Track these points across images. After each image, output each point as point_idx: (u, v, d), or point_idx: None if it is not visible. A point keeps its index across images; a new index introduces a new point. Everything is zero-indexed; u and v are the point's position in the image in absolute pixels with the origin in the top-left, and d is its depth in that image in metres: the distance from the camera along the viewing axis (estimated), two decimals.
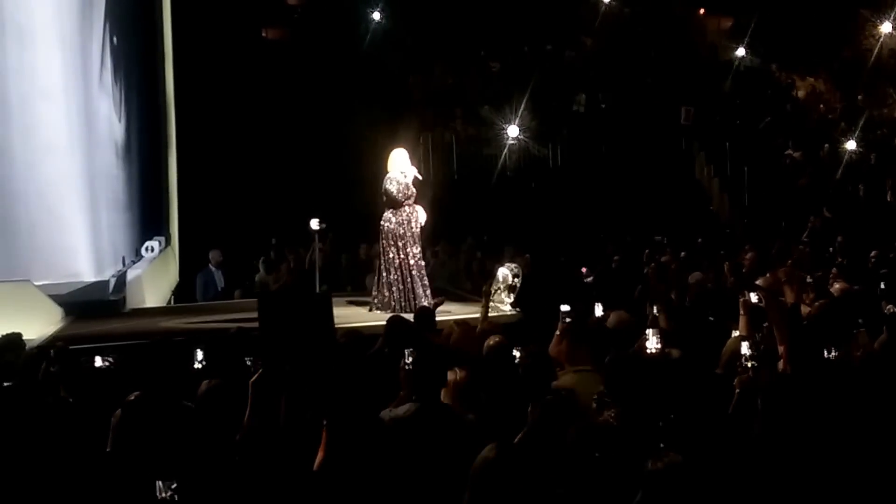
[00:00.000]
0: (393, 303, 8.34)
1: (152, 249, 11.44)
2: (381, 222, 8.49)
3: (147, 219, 12.31)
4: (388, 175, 8.46)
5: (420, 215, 8.53)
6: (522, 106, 15.66)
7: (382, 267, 8.51)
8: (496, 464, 2.99)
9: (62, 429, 4.21)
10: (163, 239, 12.21)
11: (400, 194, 8.36)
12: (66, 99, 10.05)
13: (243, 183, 13.84)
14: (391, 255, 8.41)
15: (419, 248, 8.57)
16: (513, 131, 14.99)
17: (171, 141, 13.18)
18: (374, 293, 8.60)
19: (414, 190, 8.47)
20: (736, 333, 5.52)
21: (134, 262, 11.06)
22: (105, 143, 11.28)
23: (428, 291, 8.50)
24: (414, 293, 8.37)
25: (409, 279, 8.39)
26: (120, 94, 11.92)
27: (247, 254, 12.44)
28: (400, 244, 8.38)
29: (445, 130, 15.86)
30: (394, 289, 8.39)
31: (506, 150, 15.54)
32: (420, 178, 8.60)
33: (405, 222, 8.40)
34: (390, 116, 15.08)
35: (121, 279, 9.81)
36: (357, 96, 15.13)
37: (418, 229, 8.51)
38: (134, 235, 11.80)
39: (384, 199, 8.49)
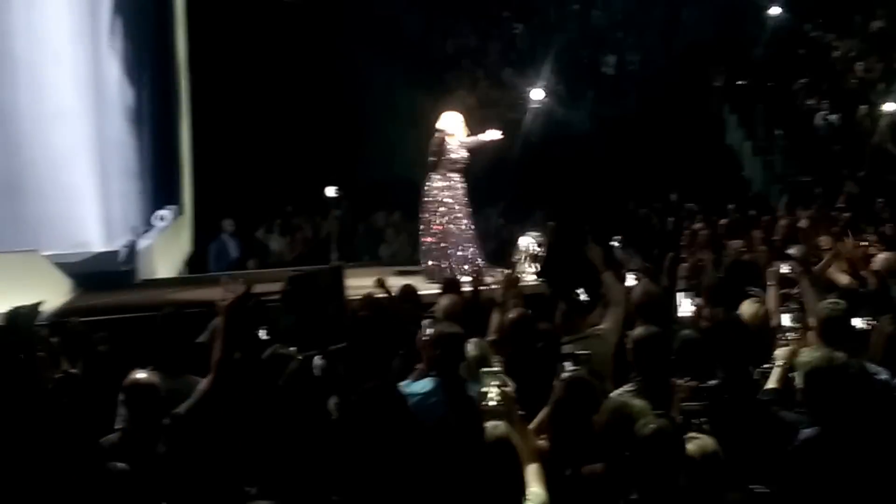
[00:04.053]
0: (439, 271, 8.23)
1: (164, 218, 11.21)
2: (427, 187, 8.42)
3: (159, 187, 12.03)
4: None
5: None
6: (547, 69, 15.21)
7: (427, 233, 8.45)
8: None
9: (69, 403, 4.01)
10: (175, 208, 11.96)
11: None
12: (75, 62, 9.78)
13: (258, 150, 13.52)
14: (427, 220, 8.41)
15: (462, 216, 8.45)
16: (537, 94, 14.51)
17: (183, 106, 12.86)
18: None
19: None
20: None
21: (145, 232, 10.84)
22: (115, 109, 11.00)
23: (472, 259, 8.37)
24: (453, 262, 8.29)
25: (447, 247, 8.32)
26: (130, 58, 11.59)
27: (261, 222, 12.20)
28: (441, 210, 8.33)
29: (466, 94, 15.44)
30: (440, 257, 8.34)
31: (529, 115, 15.11)
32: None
33: (446, 188, 8.36)
34: (409, 80, 14.73)
35: (132, 249, 9.62)
36: (375, 59, 14.74)
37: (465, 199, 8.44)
38: (145, 204, 11.53)
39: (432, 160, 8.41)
